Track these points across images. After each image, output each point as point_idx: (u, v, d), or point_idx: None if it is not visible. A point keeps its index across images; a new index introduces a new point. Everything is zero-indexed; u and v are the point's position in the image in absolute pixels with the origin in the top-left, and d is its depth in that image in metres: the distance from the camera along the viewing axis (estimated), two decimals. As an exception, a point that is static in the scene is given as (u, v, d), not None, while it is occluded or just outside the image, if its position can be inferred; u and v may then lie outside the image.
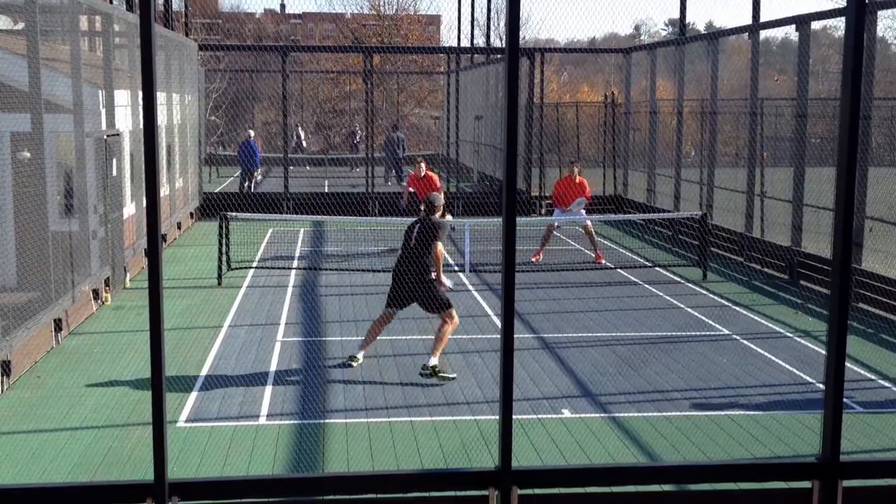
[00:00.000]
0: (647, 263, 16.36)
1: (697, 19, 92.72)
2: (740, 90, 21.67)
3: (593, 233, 16.55)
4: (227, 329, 11.44)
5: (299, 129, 38.49)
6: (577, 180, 16.52)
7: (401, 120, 39.47)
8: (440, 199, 9.88)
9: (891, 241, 13.16)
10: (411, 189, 17.20)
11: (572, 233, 19.94)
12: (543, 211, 22.99)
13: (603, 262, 16.22)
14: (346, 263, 16.07)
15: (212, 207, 21.11)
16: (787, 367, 10.06)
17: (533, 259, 16.25)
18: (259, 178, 26.45)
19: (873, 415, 8.44)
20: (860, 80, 3.68)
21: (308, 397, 8.88)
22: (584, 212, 16.62)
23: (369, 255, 16.81)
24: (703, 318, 12.31)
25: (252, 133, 28.76)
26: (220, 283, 14.01)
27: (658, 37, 52.12)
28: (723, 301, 13.37)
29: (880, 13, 12.94)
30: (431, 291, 9.69)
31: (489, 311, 12.54)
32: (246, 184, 25.25)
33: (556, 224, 16.87)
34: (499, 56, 25.53)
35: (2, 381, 8.96)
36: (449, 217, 16.21)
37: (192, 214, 20.92)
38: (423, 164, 17.14)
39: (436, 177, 17.20)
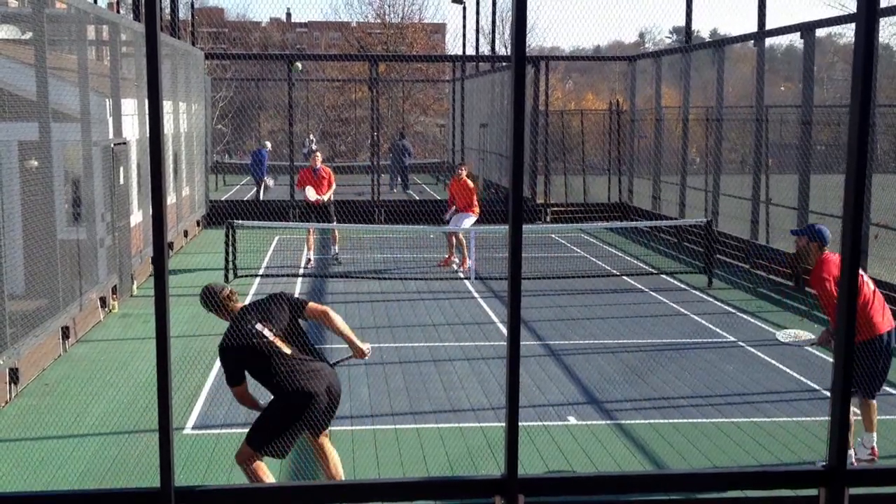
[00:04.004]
0: (652, 271, 16.35)
1: (702, 27, 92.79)
2: (745, 97, 21.66)
3: (464, 243, 16.22)
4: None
5: (311, 135, 38.58)
6: (461, 181, 16.50)
7: (406, 128, 39.52)
8: (218, 284, 6.60)
9: (897, 249, 13.14)
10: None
11: (578, 240, 19.94)
12: (549, 218, 22.99)
13: (455, 266, 16.30)
14: (353, 270, 16.08)
15: (218, 215, 21.16)
16: (794, 374, 10.04)
17: (441, 265, 16.24)
18: (270, 183, 26.74)
19: (879, 422, 8.41)
20: (871, 82, 3.69)
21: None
22: (468, 222, 16.40)
23: (375, 263, 16.82)
24: (709, 325, 12.29)
25: (269, 144, 29.26)
26: (226, 291, 14.01)
27: (663, 44, 52.15)
28: (728, 308, 13.36)
29: (888, 20, 12.94)
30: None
31: (494, 319, 12.54)
32: (254, 191, 25.96)
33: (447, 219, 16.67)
34: (504, 64, 25.55)
35: (10, 389, 8.98)
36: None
37: (198, 222, 20.96)
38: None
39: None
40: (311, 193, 16.18)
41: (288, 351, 6.13)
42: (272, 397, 6.23)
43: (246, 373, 6.18)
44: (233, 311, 6.27)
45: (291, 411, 6.11)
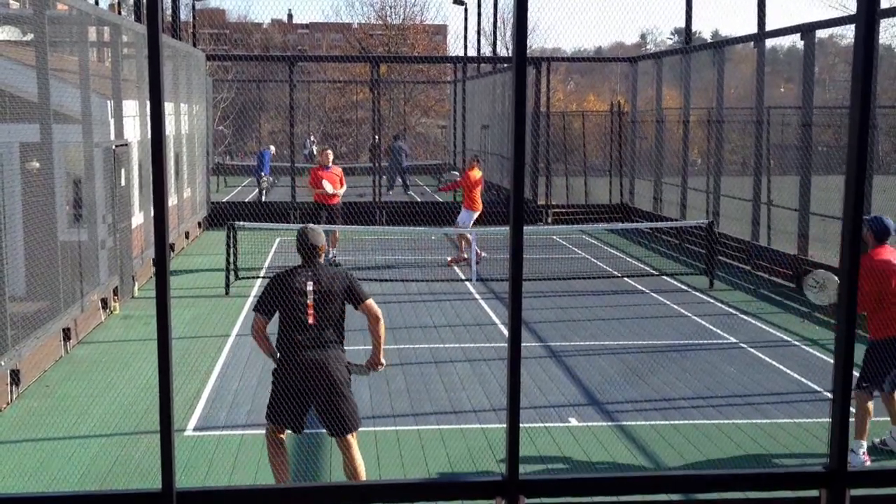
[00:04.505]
0: (653, 272, 16.35)
1: (703, 28, 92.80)
2: (746, 98, 21.66)
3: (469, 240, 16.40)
4: (234, 338, 11.46)
5: (311, 136, 38.64)
6: (467, 174, 16.92)
7: (407, 129, 39.53)
8: (322, 235, 6.49)
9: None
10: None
11: (579, 241, 19.94)
12: (550, 220, 22.99)
13: (465, 256, 16.48)
14: (355, 272, 16.07)
15: (220, 217, 21.18)
16: (795, 375, 10.04)
17: (451, 263, 16.18)
18: (265, 184, 26.95)
19: (880, 423, 8.41)
20: (871, 81, 3.69)
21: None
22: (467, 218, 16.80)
23: (377, 265, 16.83)
24: (710, 326, 12.29)
25: (273, 147, 29.59)
26: (227, 293, 14.04)
27: (664, 45, 52.17)
28: (730, 309, 13.35)
29: (889, 20, 12.94)
30: (351, 402, 6.37)
31: (496, 320, 12.54)
32: (255, 192, 26.26)
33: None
34: (505, 65, 25.57)
35: (11, 390, 8.99)
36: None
37: (199, 224, 20.97)
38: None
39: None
40: (328, 186, 16.26)
41: (311, 321, 6.17)
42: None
43: (276, 315, 6.28)
44: (310, 259, 6.37)
45: (282, 379, 6.23)
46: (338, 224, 16.64)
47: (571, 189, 26.04)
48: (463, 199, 17.18)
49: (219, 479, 7.10)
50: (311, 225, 6.59)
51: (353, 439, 6.39)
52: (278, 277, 6.30)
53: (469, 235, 16.35)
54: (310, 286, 6.20)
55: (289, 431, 6.45)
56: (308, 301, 6.17)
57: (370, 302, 6.36)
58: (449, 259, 17.05)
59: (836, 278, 7.40)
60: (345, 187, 16.75)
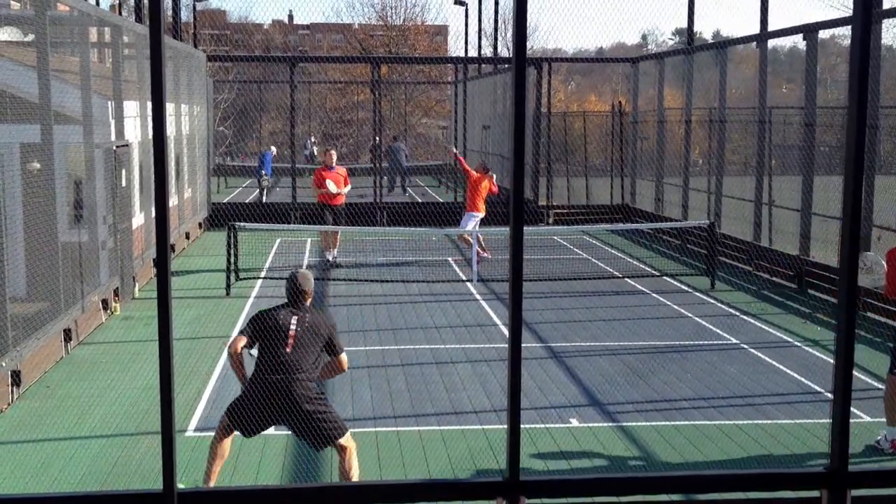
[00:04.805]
0: (655, 273, 16.35)
1: (705, 29, 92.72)
2: (747, 99, 21.66)
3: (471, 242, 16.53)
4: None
5: (312, 137, 38.66)
6: (474, 174, 17.10)
7: (408, 130, 39.52)
8: (311, 281, 6.76)
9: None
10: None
11: (580, 242, 19.94)
12: (551, 220, 22.99)
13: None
14: (355, 273, 16.09)
15: (220, 218, 21.19)
16: (796, 375, 10.04)
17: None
18: (266, 184, 27.00)
19: (881, 423, 8.40)
20: (867, 81, 3.68)
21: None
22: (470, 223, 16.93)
23: (378, 266, 16.83)
24: (712, 327, 12.29)
25: (274, 148, 29.71)
26: (228, 294, 14.04)
27: (665, 46, 52.16)
28: (731, 310, 13.35)
29: (890, 21, 12.93)
30: (324, 415, 6.50)
31: (497, 321, 12.54)
32: (256, 192, 26.36)
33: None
34: (506, 66, 25.58)
35: (12, 391, 8.99)
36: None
37: (200, 225, 20.97)
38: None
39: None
40: (332, 187, 16.29)
41: (288, 350, 6.44)
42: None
43: (255, 346, 6.60)
44: (297, 302, 6.65)
45: (252, 390, 6.49)
46: (341, 224, 16.69)
47: (572, 190, 26.04)
48: (466, 202, 17.40)
49: (219, 480, 7.09)
50: (302, 270, 6.87)
51: (347, 444, 6.51)
52: (263, 313, 6.63)
53: (469, 238, 16.38)
54: (294, 321, 6.52)
55: (237, 433, 6.68)
56: (290, 333, 6.49)
57: (343, 357, 6.74)
58: (485, 254, 16.94)
59: (883, 262, 7.64)
60: (349, 186, 16.80)
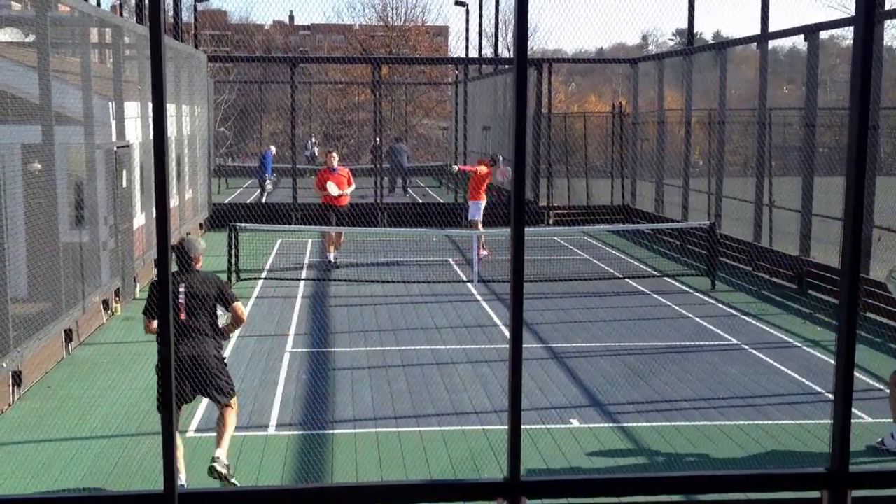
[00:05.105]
0: (655, 273, 16.35)
1: (705, 29, 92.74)
2: (747, 100, 21.66)
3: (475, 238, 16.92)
4: (236, 339, 11.46)
5: (313, 138, 38.66)
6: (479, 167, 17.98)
7: (409, 130, 39.53)
8: (198, 246, 7.19)
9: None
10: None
11: (581, 243, 19.94)
12: (552, 221, 23.00)
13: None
14: (356, 274, 16.09)
15: (221, 218, 21.18)
16: (796, 376, 10.03)
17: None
18: (269, 186, 27.02)
19: (882, 424, 8.41)
20: (870, 82, 3.69)
21: (317, 408, 8.89)
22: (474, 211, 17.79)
23: (379, 266, 16.84)
24: (712, 327, 12.29)
25: (273, 148, 29.74)
26: (229, 294, 14.03)
27: (666, 47, 52.16)
28: (731, 311, 13.35)
29: (891, 21, 12.93)
30: (224, 371, 7.16)
31: (497, 321, 12.54)
32: (257, 193, 26.32)
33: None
34: (507, 66, 25.58)
35: (13, 392, 9.00)
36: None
37: (201, 225, 20.98)
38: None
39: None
40: (333, 189, 16.31)
41: (183, 318, 6.91)
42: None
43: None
44: (185, 267, 7.08)
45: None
46: (345, 225, 16.72)
47: (573, 190, 26.03)
48: (468, 192, 18.13)
49: (219, 481, 7.09)
50: (189, 236, 7.23)
51: (234, 404, 7.15)
52: (154, 283, 7.06)
53: (481, 225, 17.21)
54: (181, 289, 6.92)
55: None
56: (180, 302, 6.90)
57: (238, 304, 7.17)
58: (484, 252, 17.18)
59: None
60: (353, 186, 16.80)
